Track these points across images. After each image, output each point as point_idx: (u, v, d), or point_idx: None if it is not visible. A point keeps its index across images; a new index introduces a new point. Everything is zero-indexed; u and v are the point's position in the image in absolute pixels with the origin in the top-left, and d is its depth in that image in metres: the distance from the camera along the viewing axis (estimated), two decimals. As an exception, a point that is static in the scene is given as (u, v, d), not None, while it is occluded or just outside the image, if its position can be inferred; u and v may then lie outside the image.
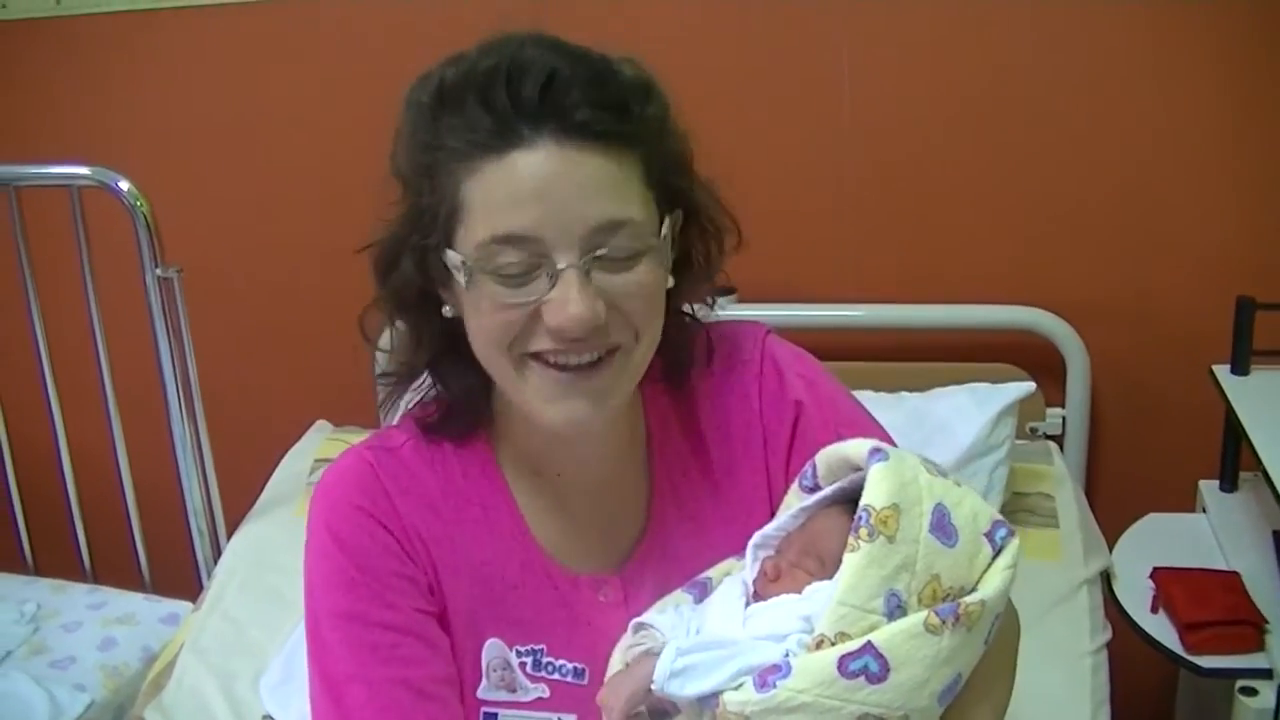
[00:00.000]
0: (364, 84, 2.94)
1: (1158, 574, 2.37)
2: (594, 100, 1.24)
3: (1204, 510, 2.67)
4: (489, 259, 1.26)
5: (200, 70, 3.07)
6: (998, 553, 1.31)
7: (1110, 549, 2.54)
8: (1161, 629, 2.29)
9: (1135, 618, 2.34)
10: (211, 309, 2.93)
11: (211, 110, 3.09)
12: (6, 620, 2.64)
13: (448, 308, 1.37)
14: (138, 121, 3.11)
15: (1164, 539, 2.57)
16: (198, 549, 2.85)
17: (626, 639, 1.36)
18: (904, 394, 2.63)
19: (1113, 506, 2.76)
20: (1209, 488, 2.69)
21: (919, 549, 1.25)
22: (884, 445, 1.33)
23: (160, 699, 2.32)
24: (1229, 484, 2.67)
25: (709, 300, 1.50)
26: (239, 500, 2.83)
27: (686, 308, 1.48)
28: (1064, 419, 2.82)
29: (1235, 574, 2.37)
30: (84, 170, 2.64)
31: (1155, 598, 2.35)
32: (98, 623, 2.67)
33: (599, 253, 1.25)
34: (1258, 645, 2.21)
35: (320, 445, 2.95)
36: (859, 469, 1.33)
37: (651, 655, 1.28)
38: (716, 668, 1.24)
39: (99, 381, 2.83)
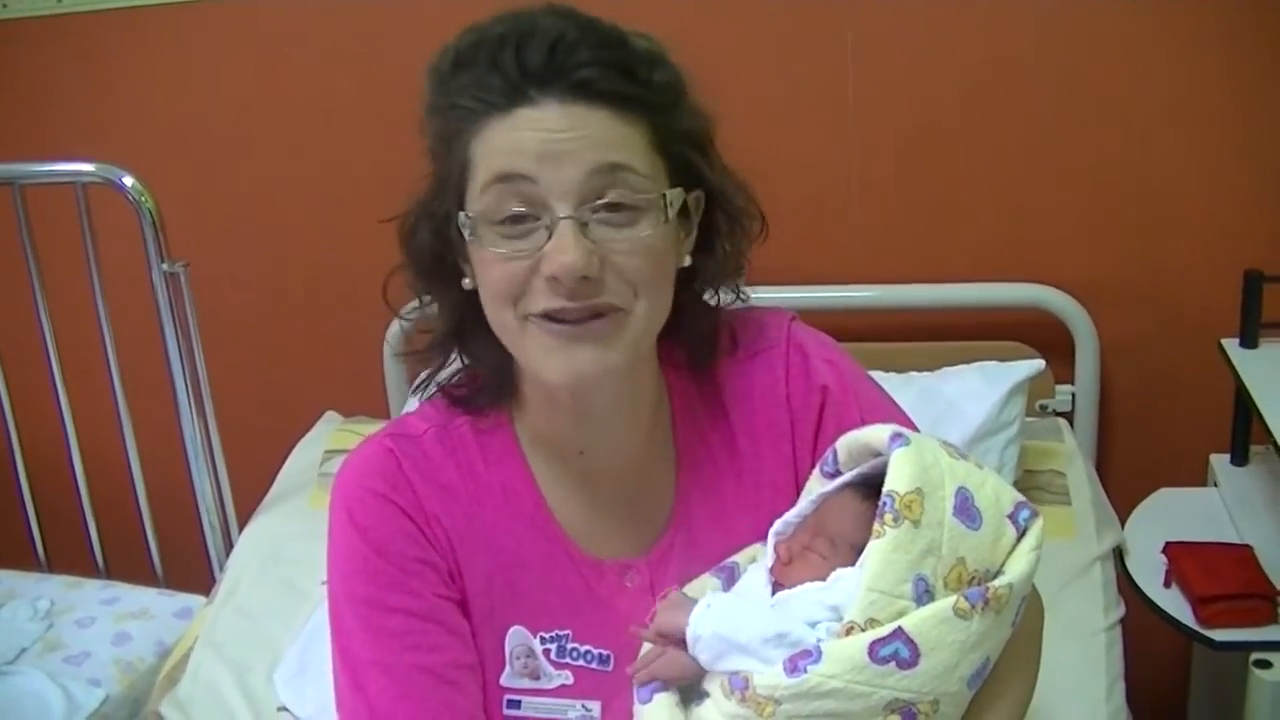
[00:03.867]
0: (367, 76, 2.96)
1: (1170, 549, 2.37)
2: (599, 61, 1.27)
3: (1215, 484, 2.67)
4: (490, 208, 1.28)
5: (203, 65, 3.06)
6: (1021, 534, 1.32)
7: (1122, 525, 2.54)
8: (1175, 603, 2.29)
9: (1148, 593, 2.34)
10: (219, 303, 2.93)
11: (215, 105, 3.08)
12: (21, 617, 2.64)
13: (467, 280, 1.38)
14: (141, 117, 3.11)
15: (1176, 514, 2.57)
16: (209, 542, 2.86)
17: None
18: (913, 374, 2.63)
19: (1124, 482, 2.75)
20: (1220, 461, 2.69)
21: (944, 533, 1.26)
22: (904, 430, 1.34)
23: (175, 693, 2.32)
24: (1240, 457, 2.66)
25: (738, 290, 1.51)
26: (250, 493, 2.83)
27: (710, 296, 1.49)
28: (1074, 396, 2.81)
29: (1247, 547, 2.37)
30: (88, 167, 2.64)
31: (1168, 572, 2.35)
32: (111, 618, 2.68)
33: (597, 202, 1.27)
34: (1271, 618, 2.21)
35: (330, 436, 2.95)
36: (879, 454, 1.34)
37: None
38: (751, 620, 1.26)
39: (108, 378, 2.83)
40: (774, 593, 1.35)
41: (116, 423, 2.86)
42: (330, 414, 3.06)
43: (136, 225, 2.61)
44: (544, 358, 1.32)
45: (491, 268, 1.30)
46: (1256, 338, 2.56)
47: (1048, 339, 2.77)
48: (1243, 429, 2.64)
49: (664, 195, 1.31)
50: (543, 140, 1.25)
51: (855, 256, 2.87)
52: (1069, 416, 2.82)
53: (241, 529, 2.77)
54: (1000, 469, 2.48)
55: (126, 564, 3.01)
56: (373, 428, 2.86)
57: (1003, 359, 2.66)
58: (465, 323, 1.43)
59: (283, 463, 2.90)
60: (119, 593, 2.78)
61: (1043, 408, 2.80)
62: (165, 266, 2.63)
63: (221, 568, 2.74)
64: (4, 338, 2.95)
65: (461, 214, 1.31)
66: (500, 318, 1.33)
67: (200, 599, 2.69)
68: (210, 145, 3.11)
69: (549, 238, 1.27)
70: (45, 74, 3.11)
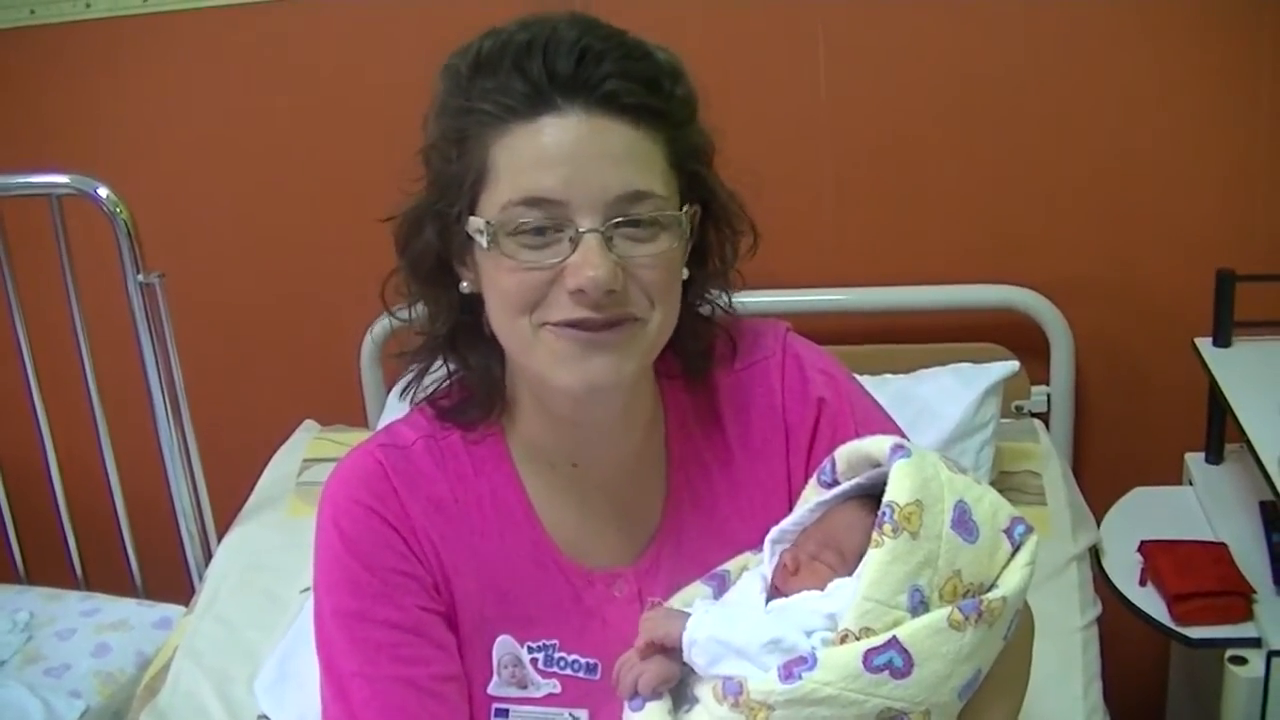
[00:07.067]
0: (341, 86, 2.96)
1: (1145, 547, 2.38)
2: (625, 73, 1.27)
3: (1190, 483, 2.68)
4: (512, 220, 1.27)
5: (176, 76, 3.05)
6: (1016, 549, 1.33)
7: (1098, 524, 2.55)
8: (1150, 602, 2.30)
9: (1124, 591, 2.35)
10: (195, 313, 2.93)
11: (189, 116, 3.07)
12: (0, 630, 2.64)
13: (465, 283, 1.38)
14: (116, 129, 3.09)
15: (1151, 512, 2.58)
16: (188, 552, 2.85)
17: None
18: (888, 376, 2.63)
19: (1099, 482, 2.77)
20: (1195, 460, 2.70)
21: (941, 545, 1.27)
22: (905, 442, 1.34)
23: (156, 703, 2.31)
24: (1214, 456, 2.67)
25: (726, 300, 1.51)
26: (228, 502, 2.83)
27: (701, 307, 1.49)
28: (1049, 396, 2.82)
29: (1222, 545, 2.38)
30: (62, 179, 2.63)
31: (1143, 571, 2.35)
32: (91, 629, 2.67)
33: (619, 219, 1.27)
34: (1246, 615, 2.22)
35: (308, 445, 2.95)
36: (878, 465, 1.35)
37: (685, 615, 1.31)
38: (747, 625, 1.27)
39: (84, 389, 2.82)
40: (769, 600, 1.35)
41: (94, 434, 2.86)
42: (308, 422, 3.06)
43: (111, 236, 2.60)
44: (557, 365, 1.32)
45: (507, 276, 1.30)
46: (1230, 337, 2.58)
47: (1022, 340, 2.78)
48: (1217, 428, 2.65)
49: (684, 213, 1.33)
50: (569, 152, 1.26)
51: (828, 259, 2.87)
52: (1044, 417, 2.83)
53: (220, 538, 2.76)
54: (976, 471, 2.49)
55: (105, 575, 3.00)
56: (351, 436, 2.91)
57: (977, 360, 2.66)
58: (460, 327, 1.43)
59: (261, 472, 2.90)
60: (98, 604, 2.78)
61: (1018, 409, 2.81)
62: (141, 277, 2.62)
63: (201, 577, 2.73)
64: (-20, 350, 2.94)
65: (476, 219, 1.30)
66: (512, 325, 1.33)
67: (180, 609, 2.68)
68: (185, 156, 3.10)
69: (573, 250, 1.27)
70: (18, 86, 3.10)
